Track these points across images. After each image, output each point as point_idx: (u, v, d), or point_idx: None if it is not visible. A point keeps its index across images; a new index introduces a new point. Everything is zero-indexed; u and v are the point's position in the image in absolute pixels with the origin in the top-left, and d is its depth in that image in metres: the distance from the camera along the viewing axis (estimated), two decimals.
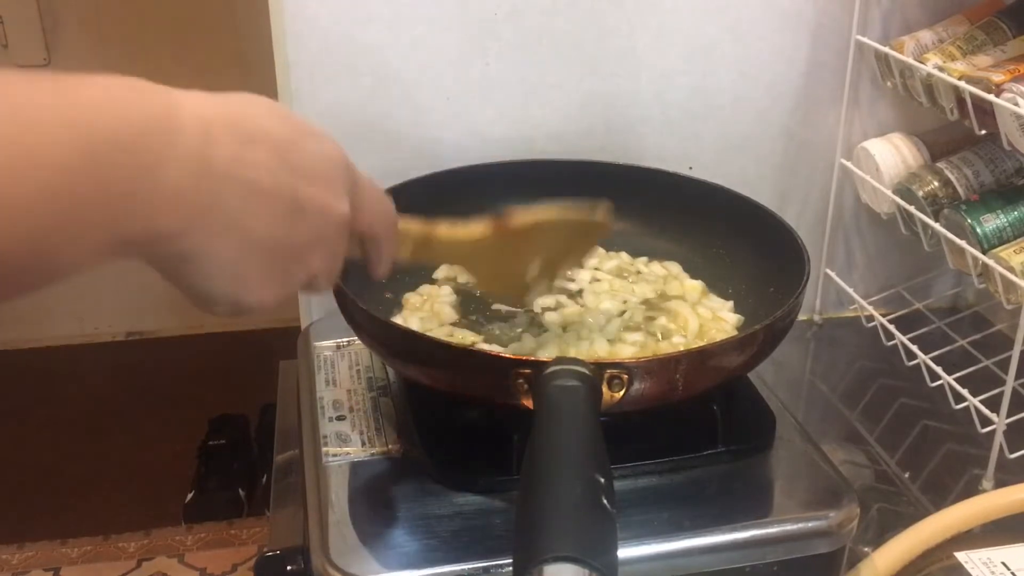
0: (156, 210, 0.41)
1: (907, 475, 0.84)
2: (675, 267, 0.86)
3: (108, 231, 0.40)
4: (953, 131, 0.94)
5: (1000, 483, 0.81)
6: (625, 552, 0.59)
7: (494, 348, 0.74)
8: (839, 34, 0.95)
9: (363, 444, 0.71)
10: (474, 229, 0.66)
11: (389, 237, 0.58)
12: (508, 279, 0.71)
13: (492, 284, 0.72)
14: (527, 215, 0.67)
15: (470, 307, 0.81)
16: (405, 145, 0.92)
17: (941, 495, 0.81)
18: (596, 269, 0.85)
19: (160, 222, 0.41)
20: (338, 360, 0.82)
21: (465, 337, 0.76)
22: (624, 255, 0.87)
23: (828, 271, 1.05)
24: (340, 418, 0.74)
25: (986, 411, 0.81)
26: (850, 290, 1.03)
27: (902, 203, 0.91)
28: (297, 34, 0.86)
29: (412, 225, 0.63)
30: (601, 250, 0.88)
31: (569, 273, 0.82)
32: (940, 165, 0.91)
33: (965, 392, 0.83)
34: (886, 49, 0.92)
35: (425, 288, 0.83)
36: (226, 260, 0.44)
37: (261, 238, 0.45)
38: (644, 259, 0.87)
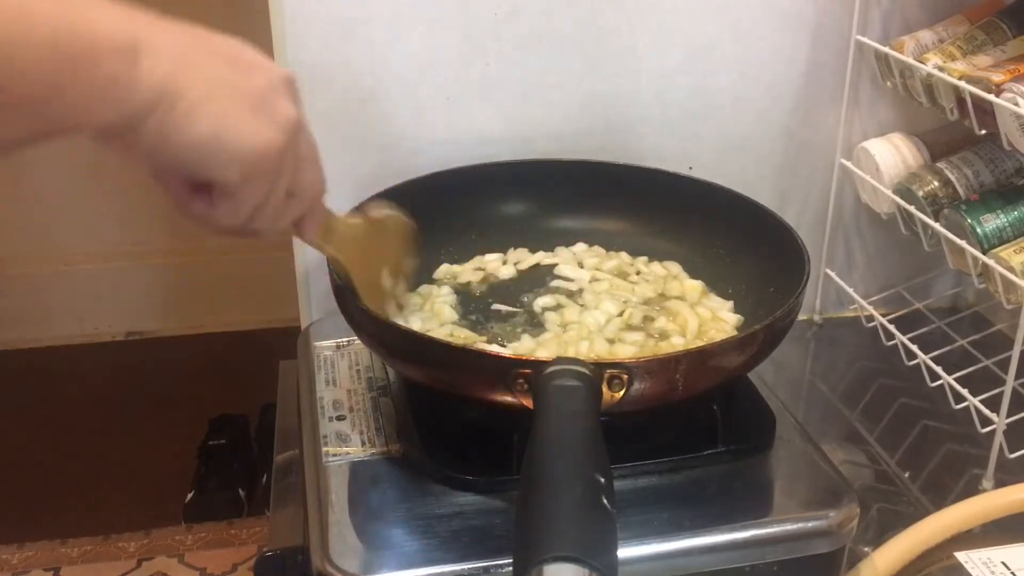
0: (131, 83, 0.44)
1: (907, 475, 0.84)
2: (675, 267, 0.86)
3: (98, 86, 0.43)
4: (953, 131, 0.94)
5: (1000, 483, 0.81)
6: (625, 552, 0.59)
7: (494, 348, 0.74)
8: (839, 34, 0.95)
9: (363, 444, 0.71)
10: (352, 221, 0.71)
11: (313, 198, 0.59)
12: (373, 273, 0.73)
13: (363, 282, 0.72)
14: (379, 210, 0.74)
15: (470, 307, 0.81)
16: (405, 145, 0.92)
17: (941, 495, 0.81)
18: (596, 269, 0.85)
19: (136, 91, 0.44)
20: (338, 360, 0.82)
21: (466, 337, 0.76)
22: (624, 255, 0.87)
23: (828, 271, 1.05)
24: (340, 418, 0.74)
25: (986, 411, 0.81)
26: (850, 290, 1.03)
27: (902, 203, 0.91)
28: (297, 34, 0.86)
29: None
30: (600, 250, 0.88)
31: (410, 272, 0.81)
32: (940, 165, 0.91)
33: (965, 392, 0.83)
34: (886, 49, 0.92)
35: (425, 288, 0.83)
36: (203, 99, 0.46)
37: (225, 75, 0.48)
38: (644, 259, 0.87)
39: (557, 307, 0.80)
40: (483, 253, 0.88)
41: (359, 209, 0.74)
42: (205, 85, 0.47)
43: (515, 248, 0.88)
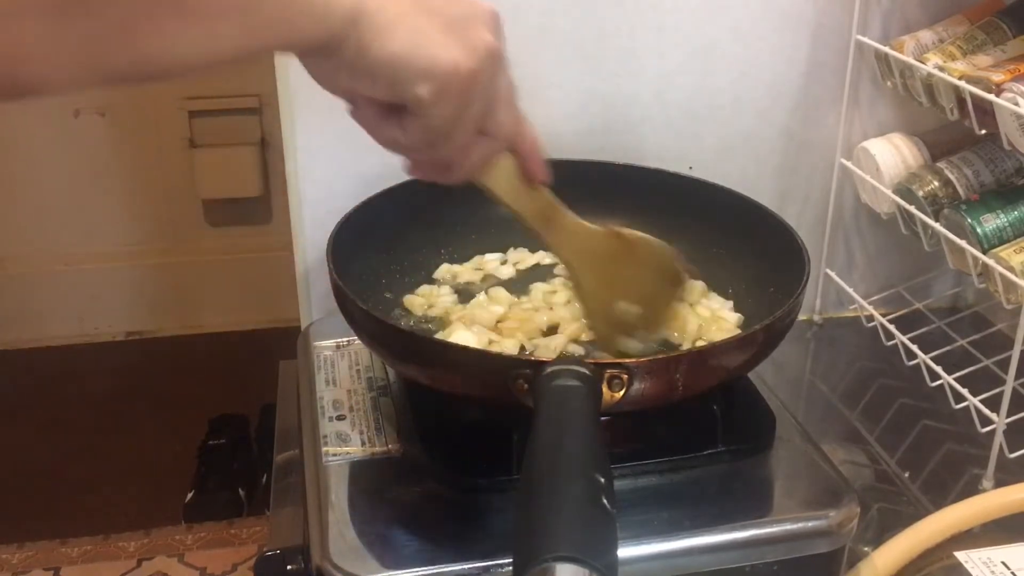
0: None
1: (907, 475, 0.84)
2: None
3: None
4: (953, 131, 0.94)
5: (1000, 483, 0.81)
6: (625, 552, 0.59)
7: (494, 348, 0.74)
8: (839, 34, 0.95)
9: (363, 444, 0.71)
10: (589, 226, 0.67)
11: (505, 137, 0.57)
12: (611, 296, 0.70)
13: (593, 301, 0.70)
14: (633, 232, 0.69)
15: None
16: None
17: (941, 495, 0.81)
18: None
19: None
20: (338, 360, 0.82)
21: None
22: None
23: (828, 271, 1.05)
24: (340, 418, 0.74)
25: (986, 411, 0.81)
26: (850, 290, 1.03)
27: (902, 203, 0.91)
28: None
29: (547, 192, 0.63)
30: None
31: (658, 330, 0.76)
32: (940, 165, 0.91)
33: (965, 392, 0.83)
34: (886, 49, 0.92)
35: (424, 288, 0.83)
36: (400, 16, 0.48)
37: (427, 2, 0.49)
38: None
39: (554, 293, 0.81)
40: (483, 253, 0.88)
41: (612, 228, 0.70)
42: (401, 5, 0.48)
43: (515, 248, 0.88)
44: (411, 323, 0.79)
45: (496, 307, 0.79)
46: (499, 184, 0.60)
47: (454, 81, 0.50)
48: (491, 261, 0.87)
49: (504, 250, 0.88)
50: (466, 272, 0.86)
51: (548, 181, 0.63)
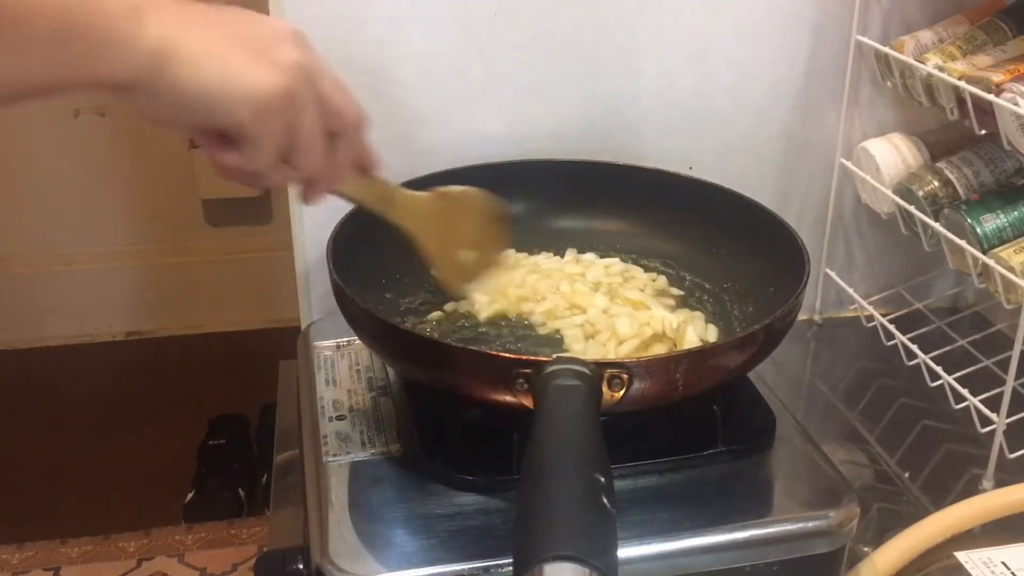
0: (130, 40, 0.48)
1: (907, 475, 0.84)
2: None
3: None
4: (953, 131, 0.94)
5: (1000, 483, 0.81)
6: (625, 552, 0.59)
7: (494, 348, 0.74)
8: (839, 34, 0.95)
9: (363, 444, 0.71)
10: (418, 194, 0.73)
11: (354, 130, 0.59)
12: (451, 249, 0.76)
13: (440, 255, 0.75)
14: (455, 188, 0.76)
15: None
16: (405, 145, 0.92)
17: (941, 495, 0.81)
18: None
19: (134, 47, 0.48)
20: (338, 360, 0.82)
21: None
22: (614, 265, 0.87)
23: (828, 271, 1.05)
24: (340, 418, 0.74)
25: (986, 411, 0.81)
26: (850, 290, 1.03)
27: (902, 203, 0.91)
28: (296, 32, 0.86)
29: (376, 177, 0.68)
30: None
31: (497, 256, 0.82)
32: (940, 165, 0.91)
33: (965, 392, 0.83)
34: (886, 49, 0.92)
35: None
36: (205, 48, 0.50)
37: (226, 29, 0.52)
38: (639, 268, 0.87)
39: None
40: None
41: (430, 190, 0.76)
42: (206, 39, 0.50)
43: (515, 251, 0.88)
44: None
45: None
46: (345, 184, 0.64)
47: (270, 101, 0.51)
48: None
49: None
50: None
51: (377, 166, 0.66)
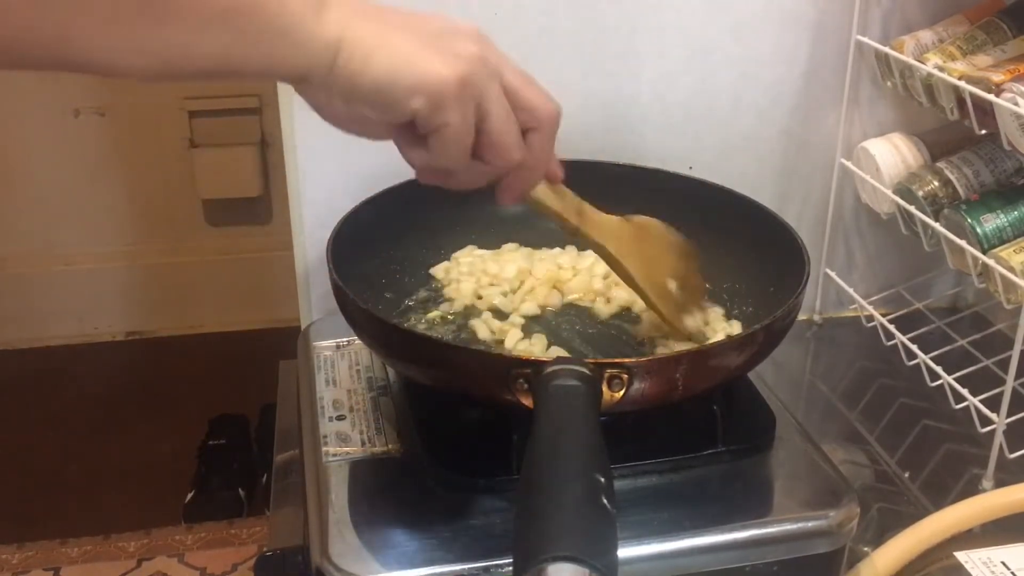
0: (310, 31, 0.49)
1: (907, 475, 0.84)
2: None
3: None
4: (953, 131, 0.94)
5: (1000, 483, 0.81)
6: (625, 552, 0.59)
7: (494, 348, 0.74)
8: (839, 34, 0.95)
9: (363, 444, 0.71)
10: (610, 216, 0.69)
11: (548, 123, 0.58)
12: (659, 277, 0.72)
13: (650, 283, 0.71)
14: (637, 215, 0.71)
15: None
16: None
17: (941, 495, 0.81)
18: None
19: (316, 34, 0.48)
20: (338, 360, 0.82)
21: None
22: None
23: (828, 271, 1.05)
24: (340, 418, 0.74)
25: (986, 411, 0.81)
26: (850, 290, 1.03)
27: (902, 203, 0.91)
28: None
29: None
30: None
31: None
32: (940, 165, 0.91)
33: (965, 392, 0.83)
34: (886, 49, 0.92)
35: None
36: (381, 40, 0.50)
37: (403, 23, 0.52)
38: None
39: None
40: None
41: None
42: (382, 32, 0.50)
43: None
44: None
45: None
46: (540, 191, 0.62)
47: (446, 89, 0.51)
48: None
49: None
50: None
51: (564, 179, 0.64)
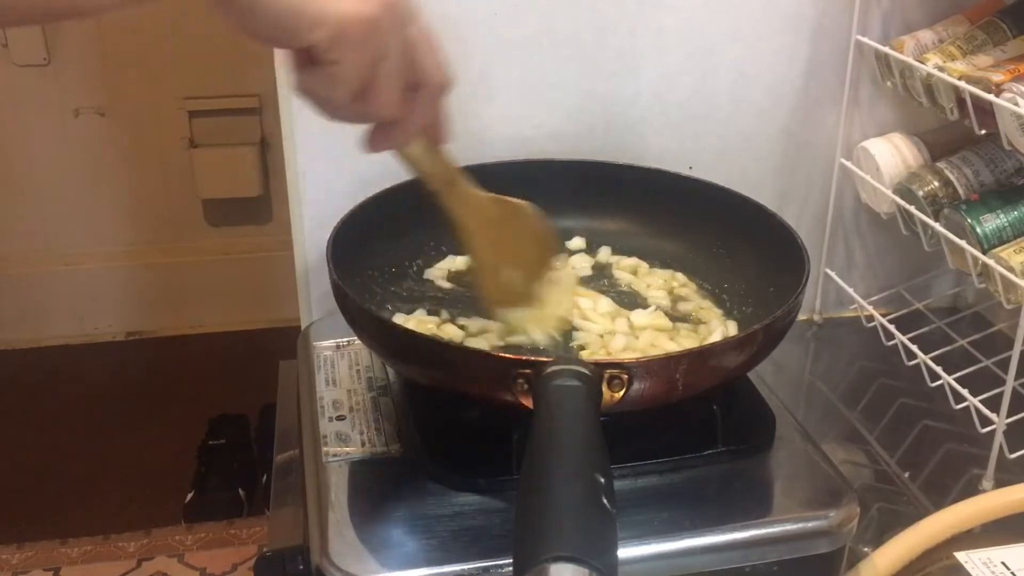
0: None
1: (907, 475, 0.84)
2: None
3: None
4: (953, 131, 0.94)
5: (1000, 483, 0.81)
6: (625, 552, 0.59)
7: (494, 348, 0.74)
8: (839, 34, 0.95)
9: (363, 444, 0.71)
10: (480, 192, 0.70)
11: (434, 87, 0.58)
12: (500, 261, 0.73)
13: (488, 265, 0.72)
14: (513, 199, 0.72)
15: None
16: None
17: (941, 495, 0.81)
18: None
19: None
20: (338, 360, 0.82)
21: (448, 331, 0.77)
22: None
23: (828, 271, 1.05)
24: (340, 418, 0.74)
25: (986, 411, 0.81)
26: (850, 290, 1.03)
27: (902, 203, 0.91)
28: None
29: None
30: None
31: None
32: (940, 165, 0.91)
33: (965, 392, 0.83)
34: (886, 49, 0.92)
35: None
36: None
37: None
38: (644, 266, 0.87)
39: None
40: None
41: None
42: None
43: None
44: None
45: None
46: (412, 148, 0.63)
47: (350, 26, 0.50)
48: None
49: None
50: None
51: (450, 142, 0.65)
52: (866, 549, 0.72)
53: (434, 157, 0.65)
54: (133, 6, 0.47)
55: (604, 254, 0.88)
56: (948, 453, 0.87)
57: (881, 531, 0.75)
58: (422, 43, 0.56)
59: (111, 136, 2.24)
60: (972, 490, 0.82)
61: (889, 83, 0.95)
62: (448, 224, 0.69)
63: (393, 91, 0.55)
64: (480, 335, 0.77)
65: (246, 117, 2.23)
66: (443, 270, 0.85)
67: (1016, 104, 0.77)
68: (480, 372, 0.63)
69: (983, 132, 0.83)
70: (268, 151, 2.27)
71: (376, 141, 0.59)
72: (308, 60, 0.52)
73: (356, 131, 0.91)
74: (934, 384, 0.87)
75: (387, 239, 0.83)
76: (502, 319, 0.75)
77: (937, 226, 0.87)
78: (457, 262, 0.86)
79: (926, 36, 0.91)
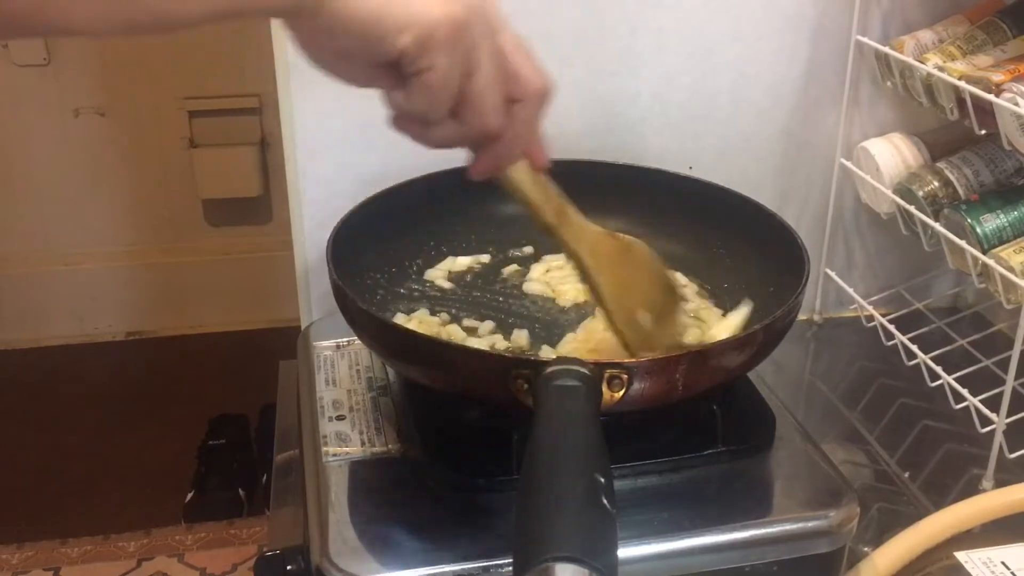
0: None
1: (907, 475, 0.84)
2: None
3: None
4: (953, 131, 0.94)
5: (1000, 483, 0.81)
6: (625, 552, 0.59)
7: (494, 348, 0.74)
8: (839, 34, 0.95)
9: (363, 444, 0.71)
10: (593, 226, 0.64)
11: (535, 97, 0.55)
12: (630, 301, 0.66)
13: (619, 305, 0.66)
14: (624, 235, 0.67)
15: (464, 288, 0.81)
16: (405, 145, 0.92)
17: (941, 495, 0.81)
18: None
19: None
20: (338, 360, 0.82)
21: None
22: None
23: (828, 271, 1.05)
24: (340, 418, 0.74)
25: (986, 411, 0.81)
26: (850, 290, 1.03)
27: (902, 203, 0.91)
28: None
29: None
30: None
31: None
32: (940, 165, 0.91)
33: (965, 392, 0.83)
34: (886, 49, 0.92)
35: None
36: None
37: None
38: None
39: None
40: (483, 252, 0.88)
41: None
42: None
43: (514, 248, 0.88)
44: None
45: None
46: (519, 173, 0.59)
47: (437, 31, 0.49)
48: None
49: (504, 250, 0.88)
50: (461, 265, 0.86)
51: (548, 167, 0.61)
52: (866, 549, 0.72)
53: (539, 183, 0.60)
54: (211, 22, 0.45)
55: None
56: (948, 453, 0.87)
57: (881, 531, 0.75)
58: (515, 50, 0.54)
59: (111, 136, 2.24)
60: (972, 490, 0.82)
61: (889, 83, 0.95)
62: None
63: (493, 100, 0.53)
64: (482, 335, 0.77)
65: (246, 117, 2.23)
66: (443, 270, 0.85)
67: (1016, 104, 0.77)
68: (480, 372, 0.63)
69: (983, 132, 0.83)
70: (268, 151, 2.27)
71: (482, 163, 0.57)
72: (398, 78, 0.51)
73: (356, 131, 0.92)
74: (934, 384, 0.87)
75: (387, 239, 0.83)
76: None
77: (937, 226, 0.87)
78: (457, 262, 0.86)
79: (926, 36, 0.91)
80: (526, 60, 0.54)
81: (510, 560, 0.57)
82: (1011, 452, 0.80)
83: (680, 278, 0.85)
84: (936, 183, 0.89)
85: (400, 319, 0.78)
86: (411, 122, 0.53)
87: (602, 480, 0.49)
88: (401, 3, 0.48)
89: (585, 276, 0.65)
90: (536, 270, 0.86)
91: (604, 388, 0.59)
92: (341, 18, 0.48)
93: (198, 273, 2.37)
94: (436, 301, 0.82)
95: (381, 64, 0.50)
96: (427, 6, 0.48)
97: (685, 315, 0.75)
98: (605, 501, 0.48)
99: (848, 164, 0.99)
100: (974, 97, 0.81)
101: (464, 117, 0.52)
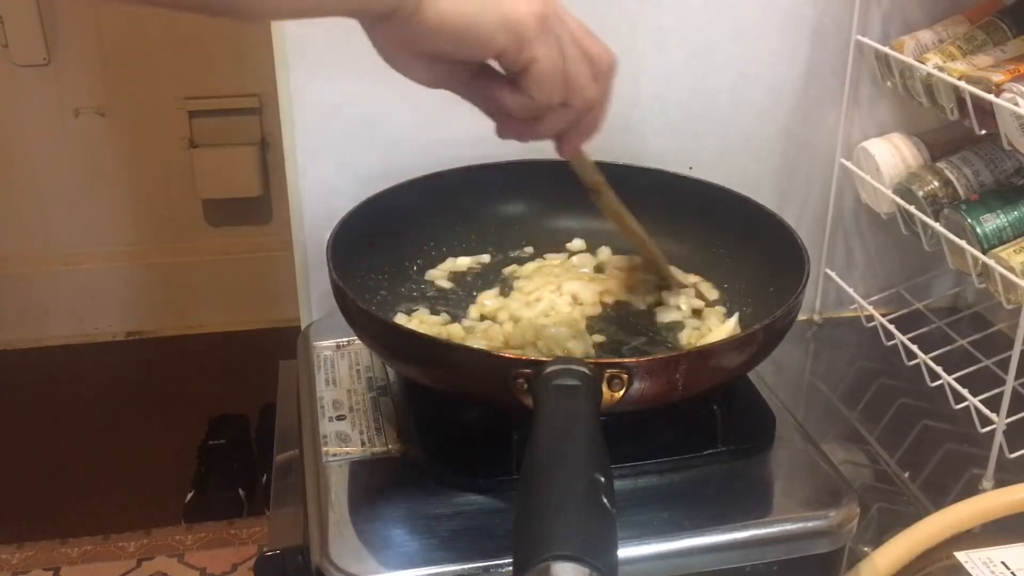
0: None
1: (907, 475, 0.84)
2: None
3: None
4: (953, 131, 0.94)
5: (1000, 483, 0.81)
6: (625, 552, 0.59)
7: (494, 348, 0.74)
8: (839, 34, 0.95)
9: (363, 444, 0.71)
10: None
11: (608, 71, 0.60)
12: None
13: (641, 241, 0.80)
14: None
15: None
16: (405, 145, 0.92)
17: (941, 495, 0.81)
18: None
19: None
20: (338, 360, 0.82)
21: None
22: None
23: (828, 271, 1.05)
24: (340, 418, 0.74)
25: (986, 411, 0.81)
26: (850, 290, 1.03)
27: (902, 203, 0.91)
28: (297, 33, 0.86)
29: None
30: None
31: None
32: (940, 165, 0.91)
33: (965, 392, 0.83)
34: (886, 49, 0.92)
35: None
36: None
37: None
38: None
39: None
40: (483, 252, 0.88)
41: None
42: None
43: (514, 248, 0.88)
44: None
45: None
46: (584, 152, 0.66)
47: (527, 27, 0.53)
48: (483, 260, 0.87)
49: (504, 250, 0.88)
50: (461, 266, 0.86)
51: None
52: (866, 549, 0.72)
53: (589, 161, 0.69)
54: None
55: (604, 254, 0.88)
56: (948, 453, 0.87)
57: (881, 531, 0.75)
58: (584, 33, 0.59)
59: (111, 136, 2.24)
60: (972, 490, 0.82)
61: (889, 83, 0.95)
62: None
63: (587, 75, 0.58)
64: (482, 335, 0.77)
65: (246, 117, 2.23)
66: (443, 270, 0.85)
67: (1016, 104, 0.77)
68: (480, 372, 0.63)
69: (983, 132, 0.83)
70: (268, 151, 2.27)
71: (574, 139, 0.62)
72: (505, 81, 0.56)
73: (356, 131, 0.92)
74: (934, 384, 0.87)
75: (387, 239, 0.83)
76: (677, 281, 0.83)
77: (937, 226, 0.87)
78: (457, 262, 0.86)
79: (926, 36, 0.91)
80: (594, 40, 0.59)
81: (510, 560, 0.57)
82: (1011, 452, 0.80)
83: (688, 277, 0.85)
84: (936, 183, 0.89)
85: (400, 319, 0.78)
86: (519, 123, 0.59)
87: (602, 480, 0.49)
88: (493, 4, 0.53)
89: (627, 228, 0.78)
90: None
91: (604, 388, 0.59)
92: (436, 22, 0.51)
93: (198, 273, 2.37)
94: (436, 301, 0.82)
95: (468, 65, 0.56)
96: (514, 5, 0.53)
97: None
98: (605, 501, 0.48)
99: (848, 164, 0.99)
100: (974, 97, 0.81)
101: (568, 98, 0.57)
